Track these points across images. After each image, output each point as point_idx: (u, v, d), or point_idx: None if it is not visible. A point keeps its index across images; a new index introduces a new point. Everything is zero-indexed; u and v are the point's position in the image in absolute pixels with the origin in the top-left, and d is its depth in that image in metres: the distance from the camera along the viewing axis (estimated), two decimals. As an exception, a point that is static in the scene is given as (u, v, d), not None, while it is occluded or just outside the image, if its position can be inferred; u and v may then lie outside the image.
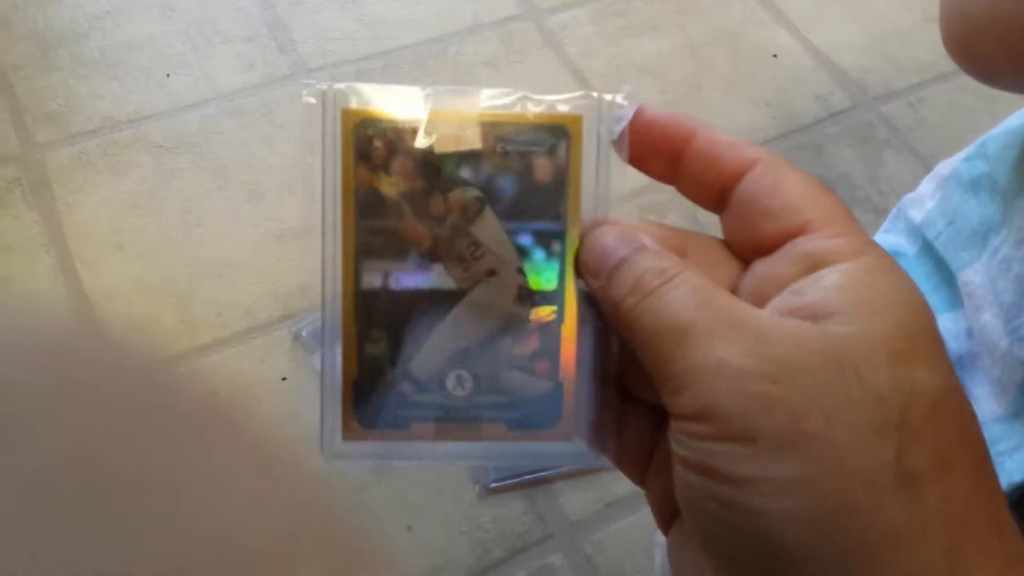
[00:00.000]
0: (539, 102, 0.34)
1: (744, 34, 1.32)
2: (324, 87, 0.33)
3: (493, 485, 0.88)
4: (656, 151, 0.31)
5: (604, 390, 0.35)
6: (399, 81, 1.23)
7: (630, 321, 0.29)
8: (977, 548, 0.27)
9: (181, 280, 1.02)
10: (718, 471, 0.26)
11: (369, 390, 0.36)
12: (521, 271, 0.36)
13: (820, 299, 0.27)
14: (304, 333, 0.97)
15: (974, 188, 0.65)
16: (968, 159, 0.66)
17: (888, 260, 0.28)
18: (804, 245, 0.28)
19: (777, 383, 0.26)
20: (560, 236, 0.35)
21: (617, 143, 0.32)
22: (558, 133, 0.36)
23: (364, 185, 0.34)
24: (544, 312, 0.36)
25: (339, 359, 0.35)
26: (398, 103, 0.34)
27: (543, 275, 0.36)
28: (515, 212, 0.36)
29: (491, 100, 0.34)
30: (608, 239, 0.31)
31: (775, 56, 1.29)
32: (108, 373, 0.19)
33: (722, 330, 0.27)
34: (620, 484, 0.90)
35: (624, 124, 0.32)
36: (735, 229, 0.30)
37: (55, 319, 0.19)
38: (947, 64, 1.29)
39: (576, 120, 0.35)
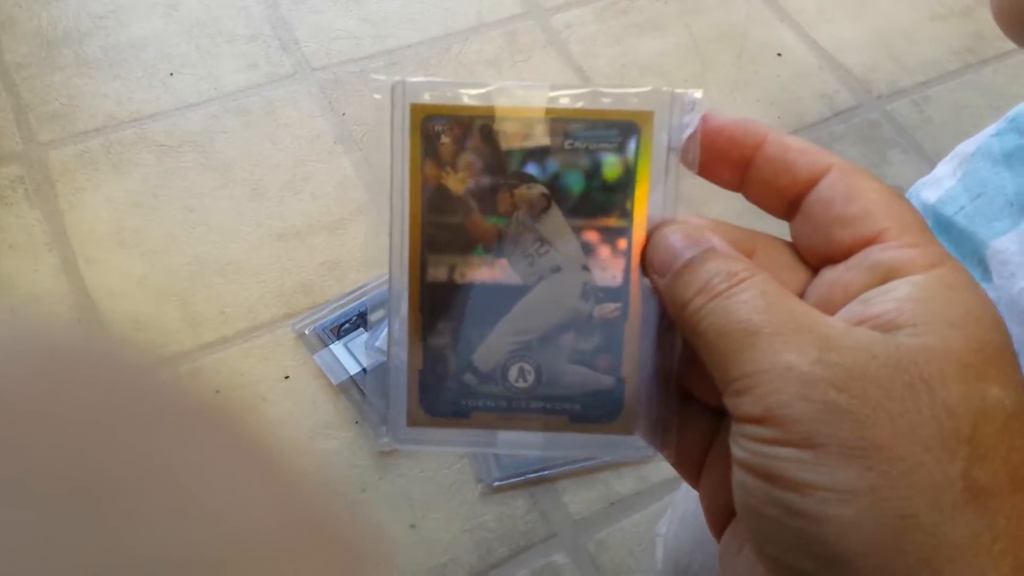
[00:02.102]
0: (609, 97, 0.33)
1: (748, 33, 1.32)
2: (394, 81, 0.33)
3: (496, 483, 0.87)
4: (725, 159, 0.31)
5: (665, 388, 0.35)
6: (402, 80, 1.23)
7: (695, 322, 0.28)
8: None
9: (184, 278, 1.02)
10: (780, 476, 0.26)
11: (433, 380, 0.37)
12: (586, 268, 0.36)
13: (891, 310, 0.27)
14: (307, 332, 0.97)
15: (1008, 161, 0.65)
16: (999, 134, 0.66)
17: (963, 274, 0.28)
18: (877, 254, 0.28)
19: (844, 391, 0.26)
20: (626, 233, 0.35)
21: (684, 153, 0.32)
22: (628, 129, 0.35)
23: (431, 180, 0.35)
24: (608, 309, 0.36)
25: (405, 350, 0.36)
26: (466, 98, 0.34)
27: (608, 272, 0.36)
28: (581, 209, 0.36)
29: (560, 95, 0.33)
30: (676, 238, 0.30)
31: (779, 55, 1.29)
32: (104, 373, 0.18)
33: (790, 335, 0.26)
34: (623, 483, 0.89)
35: (690, 130, 0.32)
36: (806, 235, 0.30)
37: (50, 319, 0.19)
38: (952, 63, 1.29)
39: (647, 116, 0.34)
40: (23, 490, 0.14)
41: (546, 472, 0.88)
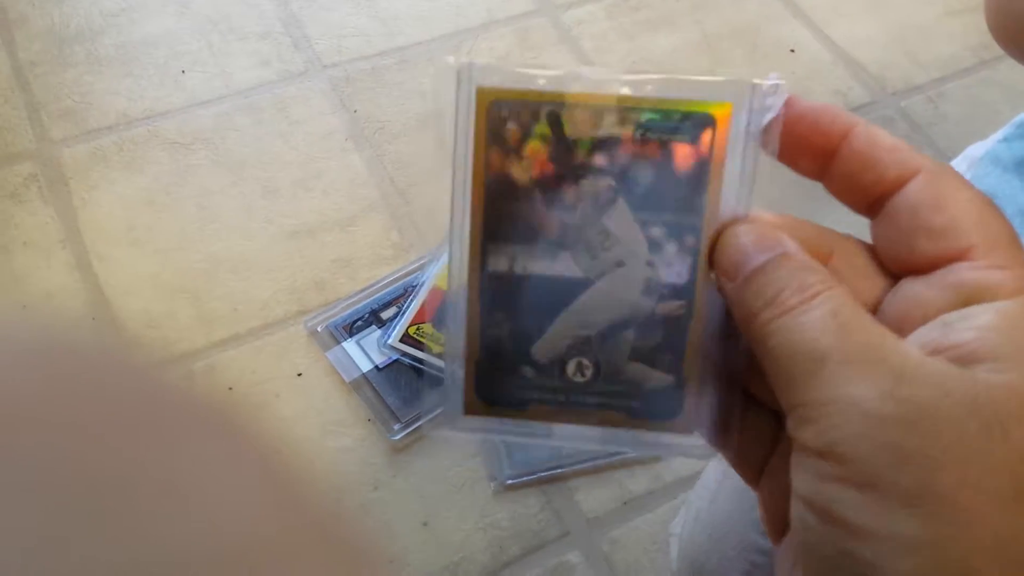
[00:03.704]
0: (686, 86, 0.32)
1: (761, 29, 1.31)
2: (461, 62, 0.32)
3: (509, 482, 0.87)
4: (808, 146, 0.29)
5: (728, 389, 0.33)
6: (414, 77, 1.23)
7: (763, 336, 0.27)
8: None
9: (196, 276, 1.02)
10: (839, 518, 0.25)
11: (490, 370, 0.36)
12: (651, 263, 0.34)
13: (972, 339, 0.25)
14: (319, 329, 0.97)
15: (1018, 169, 0.64)
16: (1007, 140, 0.65)
17: None
18: (962, 273, 0.26)
19: (913, 431, 0.24)
20: (696, 230, 0.33)
21: (763, 136, 0.30)
22: (703, 121, 0.33)
23: (495, 168, 0.33)
24: (672, 306, 0.35)
25: (463, 339, 0.35)
26: (535, 84, 0.32)
27: (674, 269, 0.35)
28: (650, 202, 0.34)
29: (634, 80, 0.32)
30: (747, 240, 0.29)
31: (792, 51, 1.28)
32: (110, 373, 0.18)
33: (860, 364, 0.25)
34: (637, 482, 0.89)
35: (772, 115, 0.30)
36: (888, 240, 0.28)
37: (57, 318, 0.19)
38: (968, 59, 1.28)
39: (725, 108, 0.33)
40: (27, 490, 0.14)
41: (559, 470, 0.88)
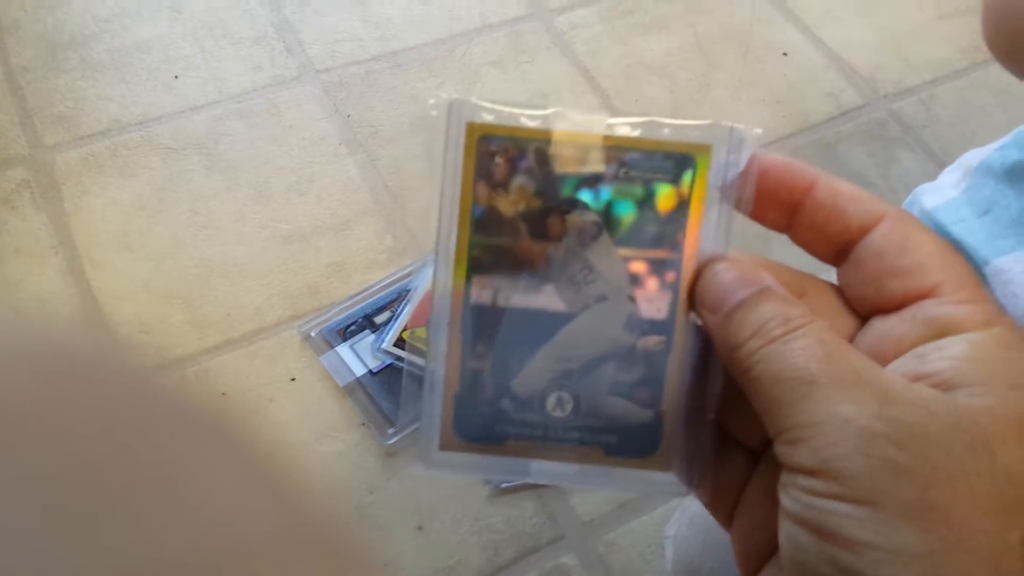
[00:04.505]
0: (668, 127, 0.33)
1: (753, 32, 1.31)
2: (451, 99, 0.33)
3: (504, 485, 0.87)
4: (772, 200, 0.30)
5: (704, 426, 0.34)
6: (407, 81, 1.23)
7: (749, 365, 0.28)
8: None
9: (189, 281, 1.01)
10: (835, 533, 0.26)
11: (469, 404, 0.36)
12: (632, 298, 0.35)
13: (948, 368, 0.26)
14: (313, 334, 0.97)
15: (1010, 178, 0.64)
16: (1001, 148, 0.65)
17: (1018, 333, 0.27)
18: (931, 309, 0.28)
19: (905, 449, 0.25)
20: (676, 266, 0.34)
21: (728, 192, 0.32)
22: (684, 161, 0.35)
23: (482, 201, 0.34)
24: (652, 341, 0.36)
25: (442, 371, 0.35)
26: (524, 119, 0.34)
27: (654, 304, 0.35)
28: (632, 238, 0.35)
29: (618, 123, 0.33)
30: (730, 276, 0.30)
31: (785, 54, 1.29)
32: (105, 377, 0.18)
33: (848, 386, 0.26)
34: (632, 484, 0.89)
35: (737, 170, 0.31)
36: (856, 284, 0.29)
37: (52, 323, 0.18)
38: (959, 61, 1.28)
39: (705, 149, 0.34)
40: (24, 495, 0.14)
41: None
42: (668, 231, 0.35)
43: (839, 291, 0.30)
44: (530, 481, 0.52)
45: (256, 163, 1.13)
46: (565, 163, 0.34)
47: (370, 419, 0.90)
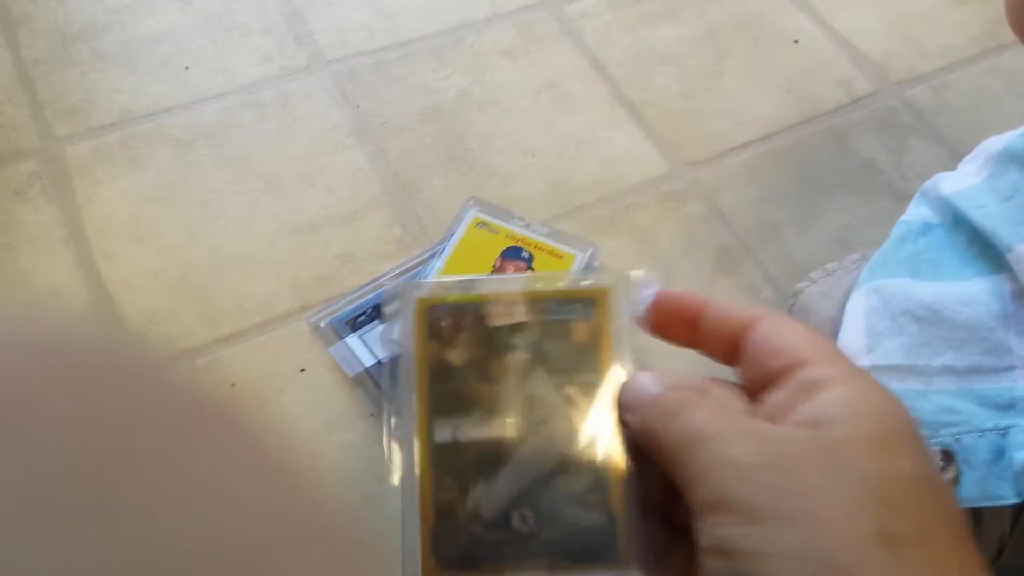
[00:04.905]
0: (573, 280, 0.44)
1: (764, 20, 1.31)
2: (404, 284, 0.44)
3: None
4: (676, 321, 0.39)
5: (649, 519, 0.40)
6: (417, 72, 1.23)
7: (660, 436, 0.35)
8: None
9: (200, 272, 1.02)
10: (735, 551, 0.32)
11: (444, 533, 0.42)
12: (569, 417, 0.43)
13: (818, 412, 0.34)
14: (322, 324, 0.97)
15: None
16: (1023, 136, 0.65)
17: (875, 383, 0.35)
18: (805, 375, 0.35)
19: (780, 474, 0.32)
20: (599, 384, 0.42)
21: (641, 320, 0.40)
22: (590, 302, 0.44)
23: (435, 357, 0.43)
24: (592, 451, 0.42)
25: (418, 508, 0.41)
26: (459, 290, 0.43)
27: (589, 419, 0.43)
28: (561, 368, 0.43)
29: (531, 279, 0.44)
30: (645, 379, 0.38)
31: (796, 42, 1.28)
32: (113, 370, 0.19)
33: (734, 436, 0.33)
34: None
35: (648, 302, 0.40)
36: (748, 370, 0.37)
37: (61, 316, 0.19)
38: (971, 48, 1.27)
39: (605, 291, 0.44)
40: (34, 486, 0.14)
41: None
42: (589, 357, 0.43)
43: (737, 386, 0.38)
44: None
45: (266, 154, 1.13)
46: (497, 318, 0.44)
47: (379, 409, 0.91)
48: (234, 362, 0.95)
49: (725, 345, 0.38)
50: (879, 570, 0.31)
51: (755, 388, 0.37)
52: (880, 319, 0.70)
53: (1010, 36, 1.26)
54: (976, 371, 0.64)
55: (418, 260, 1.01)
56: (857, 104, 1.22)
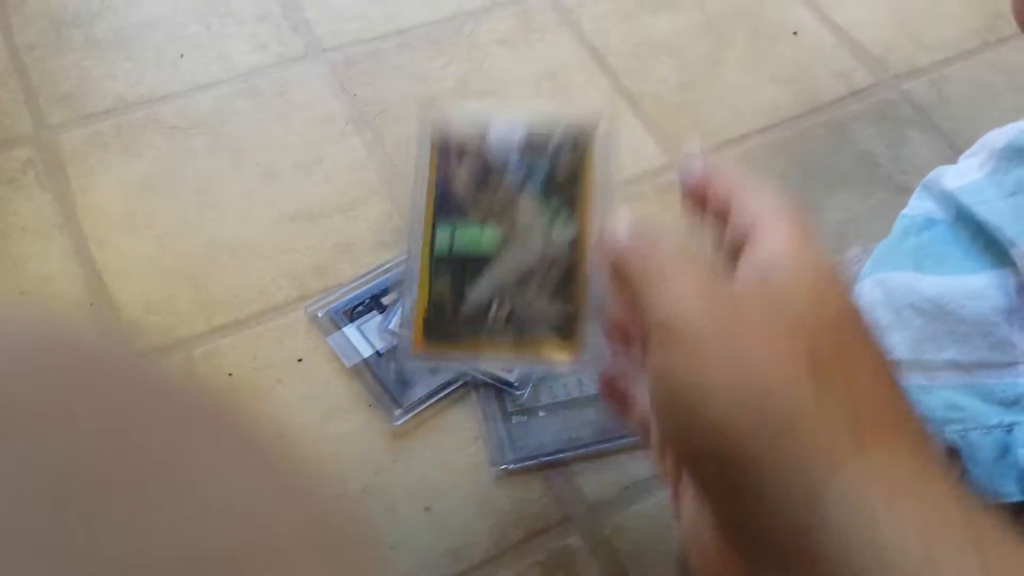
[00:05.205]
0: (565, 117, 0.56)
1: (763, 11, 1.30)
2: (425, 109, 0.57)
3: (511, 467, 0.87)
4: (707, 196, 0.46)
5: (602, 318, 0.51)
6: (414, 60, 1.22)
7: (626, 271, 0.41)
8: (876, 420, 0.35)
9: (196, 261, 1.01)
10: (677, 365, 0.37)
11: (435, 316, 0.55)
12: (548, 231, 0.55)
13: (765, 260, 0.40)
14: (320, 314, 0.96)
15: None
16: None
17: (812, 238, 0.42)
18: (759, 231, 0.42)
19: (726, 310, 0.38)
20: (577, 205, 0.54)
21: (685, 189, 0.48)
22: (580, 135, 0.56)
23: (442, 171, 0.55)
24: (563, 257, 0.55)
25: (415, 299, 0.55)
26: (471, 117, 0.56)
27: (565, 231, 0.55)
28: (547, 188, 0.55)
29: (532, 112, 0.56)
30: (622, 224, 0.44)
31: (795, 33, 1.28)
32: (104, 368, 0.18)
33: (689, 278, 0.39)
34: (638, 467, 0.89)
35: (691, 177, 0.48)
36: (730, 232, 0.44)
37: (50, 313, 0.18)
38: (971, 41, 1.27)
39: (591, 132, 0.56)
40: (32, 488, 0.14)
41: (561, 455, 0.88)
42: (571, 182, 0.54)
43: (719, 250, 0.45)
44: (481, 368, 0.75)
45: (262, 142, 1.13)
46: (498, 144, 0.56)
47: (377, 400, 0.90)
48: (231, 352, 0.94)
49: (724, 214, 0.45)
50: (808, 392, 0.35)
51: (736, 251, 0.42)
52: (884, 312, 0.70)
53: (1009, 30, 1.26)
54: (981, 366, 0.64)
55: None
56: (856, 96, 1.21)
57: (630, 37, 1.27)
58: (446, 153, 0.56)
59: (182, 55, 1.21)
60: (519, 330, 0.56)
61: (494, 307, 0.57)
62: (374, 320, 0.94)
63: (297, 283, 1.00)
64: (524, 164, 0.56)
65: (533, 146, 0.56)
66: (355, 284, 0.98)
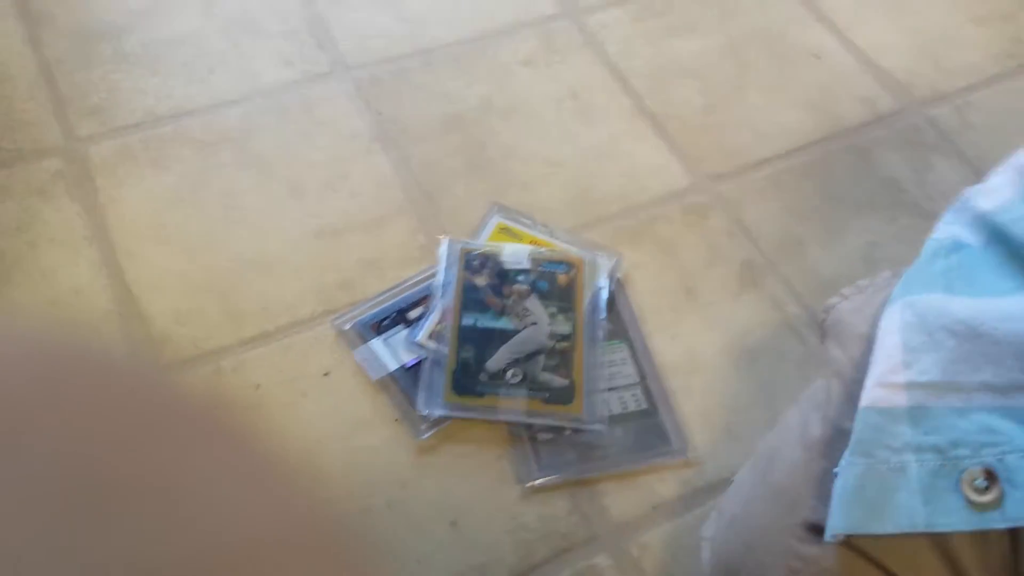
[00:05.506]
0: (561, 248, 0.86)
1: (786, 35, 1.31)
2: (450, 240, 0.92)
3: (538, 483, 0.87)
4: None
5: (596, 392, 0.72)
6: (437, 79, 1.23)
7: None
8: None
9: (224, 274, 1.02)
10: None
11: (462, 376, 0.84)
12: (550, 324, 0.84)
13: None
14: (346, 328, 0.97)
15: None
16: None
17: None
18: None
19: None
20: (573, 310, 0.87)
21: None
22: (571, 265, 0.90)
23: (468, 280, 0.84)
24: (563, 345, 0.85)
25: (446, 357, 0.83)
26: (486, 247, 0.89)
27: (563, 327, 0.86)
28: (549, 297, 0.87)
29: (534, 249, 0.84)
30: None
31: (817, 57, 1.28)
32: (106, 376, 0.18)
33: None
34: (666, 487, 0.89)
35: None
36: None
37: (54, 328, 0.19)
38: (994, 67, 1.28)
39: (581, 260, 0.92)
40: (30, 496, 0.14)
41: (587, 474, 0.88)
42: (567, 294, 0.88)
43: None
44: (499, 418, 0.85)
45: (288, 158, 1.13)
46: (509, 263, 0.87)
47: (403, 414, 0.90)
48: (259, 364, 0.94)
49: None
50: None
51: None
52: (916, 334, 0.70)
53: (1033, 57, 1.26)
54: (1017, 388, 0.63)
55: (443, 265, 1.01)
56: (881, 122, 1.22)
57: (653, 59, 1.27)
58: (471, 266, 0.87)
59: (210, 71, 1.21)
60: (530, 392, 0.82)
61: (509, 374, 0.82)
62: (400, 334, 0.95)
63: (324, 297, 1.00)
64: (532, 278, 0.87)
65: (538, 268, 0.88)
66: (381, 298, 0.99)
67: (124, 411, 0.18)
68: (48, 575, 0.14)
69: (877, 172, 1.16)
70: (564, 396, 0.86)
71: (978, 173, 1.13)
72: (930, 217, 0.82)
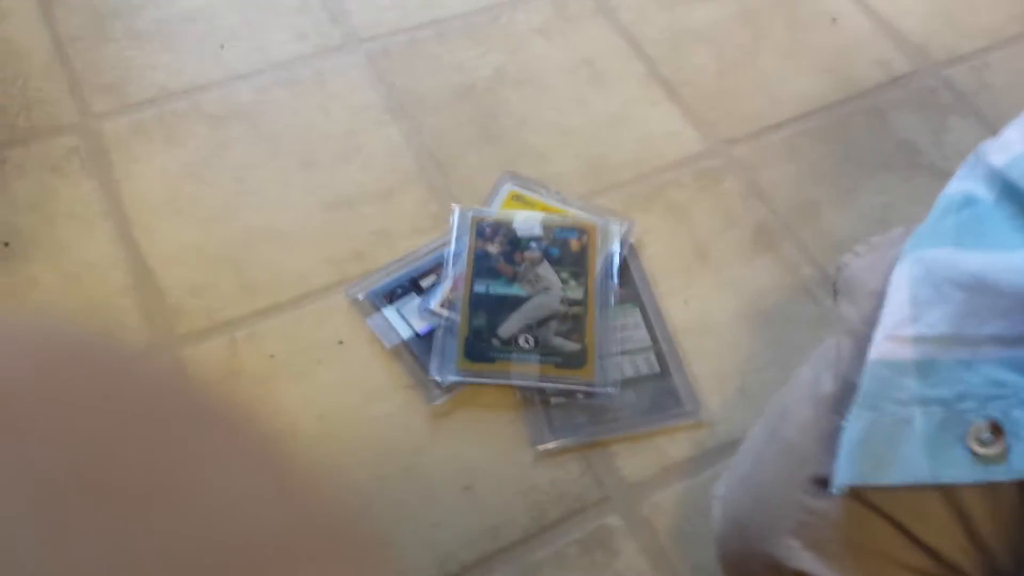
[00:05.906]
0: (573, 215, 0.87)
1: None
2: (462, 208, 0.94)
3: (550, 446, 0.87)
4: None
5: (608, 356, 0.72)
6: (451, 50, 1.23)
7: None
8: None
9: (238, 246, 1.02)
10: None
11: (474, 343, 0.86)
12: (563, 289, 0.86)
13: None
14: (360, 297, 0.97)
15: None
16: None
17: None
18: None
19: None
20: (585, 275, 0.87)
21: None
22: (583, 229, 0.91)
23: (481, 247, 0.86)
24: (575, 309, 0.86)
25: (459, 324, 0.82)
26: (499, 214, 0.89)
27: (576, 292, 0.87)
28: (560, 263, 0.89)
29: (547, 214, 0.90)
30: None
31: (834, 20, 1.27)
32: (107, 369, 0.18)
33: None
34: (678, 448, 0.89)
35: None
36: None
37: (57, 323, 0.18)
38: (1011, 28, 1.26)
39: (593, 226, 0.93)
40: (33, 485, 0.14)
41: (599, 436, 0.88)
42: (579, 259, 0.89)
43: None
44: (512, 383, 0.86)
45: (301, 131, 1.14)
46: (522, 230, 0.89)
47: (417, 381, 0.91)
48: (272, 334, 0.95)
49: None
50: None
51: None
52: (925, 288, 0.69)
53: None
54: (1023, 340, 0.63)
55: (455, 234, 1.01)
56: (896, 83, 1.20)
57: (668, 26, 1.26)
58: (483, 234, 0.88)
59: (222, 46, 1.22)
60: (542, 357, 0.83)
61: (521, 339, 0.83)
62: (413, 302, 0.95)
63: (336, 268, 1.01)
64: (543, 244, 0.88)
65: (550, 234, 0.89)
66: (394, 267, 0.99)
67: (126, 404, 0.18)
68: (50, 573, 0.14)
69: (893, 134, 1.15)
70: (576, 360, 0.86)
71: (995, 133, 1.12)
72: (946, 177, 0.81)
